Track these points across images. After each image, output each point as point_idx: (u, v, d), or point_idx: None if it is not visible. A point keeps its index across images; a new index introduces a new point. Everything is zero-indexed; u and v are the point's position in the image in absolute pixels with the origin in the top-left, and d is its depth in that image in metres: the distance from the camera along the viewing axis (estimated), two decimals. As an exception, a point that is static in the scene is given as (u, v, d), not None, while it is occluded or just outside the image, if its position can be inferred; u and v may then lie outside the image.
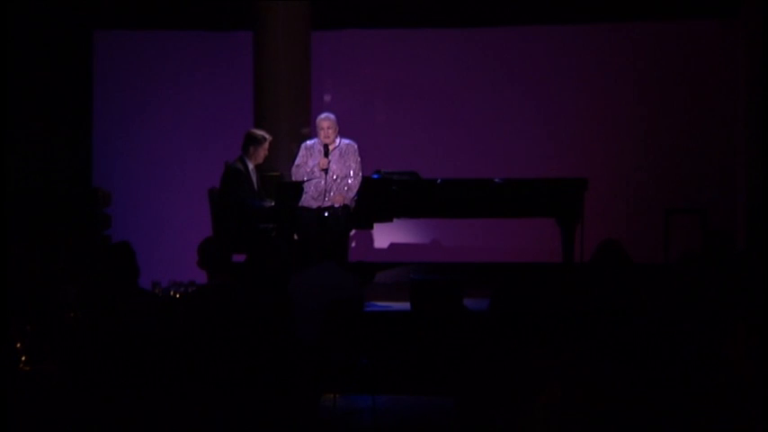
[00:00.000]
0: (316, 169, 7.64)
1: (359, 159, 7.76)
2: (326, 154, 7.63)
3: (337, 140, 7.74)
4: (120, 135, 10.38)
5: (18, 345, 4.92)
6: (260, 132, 8.08)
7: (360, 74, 10.49)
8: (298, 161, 7.76)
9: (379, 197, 7.93)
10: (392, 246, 10.19)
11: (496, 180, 8.13)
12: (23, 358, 4.93)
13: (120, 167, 10.31)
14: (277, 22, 9.46)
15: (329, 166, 7.63)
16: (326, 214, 7.59)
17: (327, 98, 10.42)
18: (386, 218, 8.11)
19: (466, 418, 3.84)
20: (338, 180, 7.66)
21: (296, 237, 7.94)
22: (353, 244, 9.38)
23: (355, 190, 7.72)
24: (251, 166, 7.96)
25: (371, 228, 8.49)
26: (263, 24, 9.53)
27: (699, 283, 4.70)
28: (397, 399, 6.39)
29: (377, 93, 10.46)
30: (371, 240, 10.06)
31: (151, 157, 10.34)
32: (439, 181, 8.11)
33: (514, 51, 10.35)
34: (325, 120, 7.69)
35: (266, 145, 7.98)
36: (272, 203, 8.00)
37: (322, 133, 7.66)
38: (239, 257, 7.84)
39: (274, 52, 9.44)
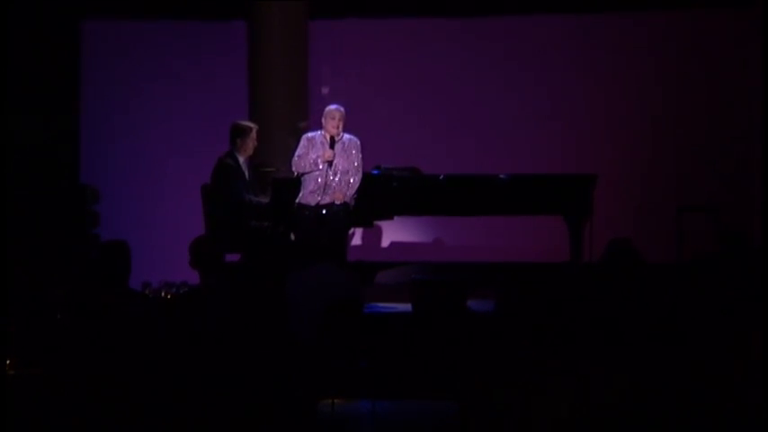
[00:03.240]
0: (319, 161, 7.62)
1: (360, 155, 7.75)
2: (332, 146, 7.61)
3: (340, 134, 7.73)
4: (109, 130, 10.38)
5: (2, 348, 4.93)
6: (244, 122, 8.10)
7: (359, 65, 10.49)
8: (299, 152, 7.71)
9: (380, 194, 7.93)
10: (393, 245, 10.19)
11: (501, 176, 8.14)
12: (8, 362, 4.94)
13: (109, 163, 10.31)
14: (272, 11, 9.45)
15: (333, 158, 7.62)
16: (325, 212, 7.59)
17: (325, 91, 10.42)
18: (386, 215, 8.11)
19: (470, 425, 3.85)
20: (339, 175, 7.65)
21: (293, 235, 7.94)
22: (353, 243, 9.38)
23: (356, 187, 7.71)
24: (242, 159, 7.97)
25: (371, 226, 8.50)
26: (257, 13, 9.53)
27: (712, 283, 4.71)
28: (398, 404, 6.40)
29: (377, 85, 10.45)
30: (371, 239, 10.07)
31: (141, 152, 10.34)
32: (441, 177, 8.11)
33: (520, 42, 10.34)
34: (338, 111, 7.65)
35: (253, 135, 7.99)
36: (268, 200, 8.00)
37: (333, 123, 7.60)
38: (233, 257, 7.91)
39: (269, 43, 9.44)
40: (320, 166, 7.61)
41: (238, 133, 7.97)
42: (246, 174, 8.00)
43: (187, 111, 10.34)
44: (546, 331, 3.90)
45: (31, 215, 8.99)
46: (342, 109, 7.70)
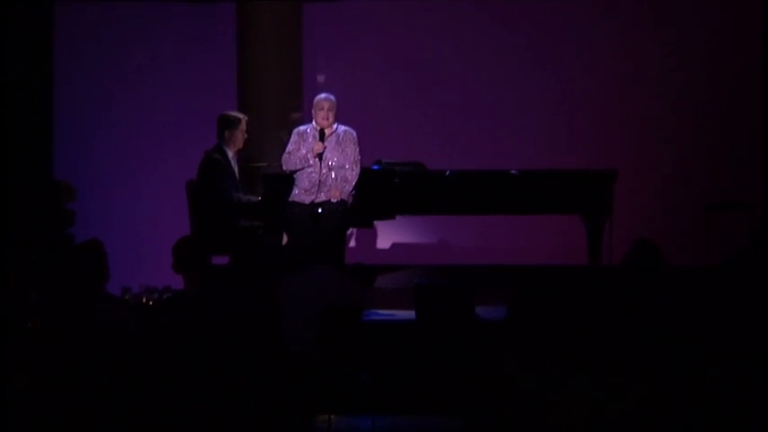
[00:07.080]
0: (309, 156, 7.63)
1: (357, 149, 7.76)
2: (322, 138, 7.62)
3: (334, 126, 7.73)
4: (86, 121, 10.37)
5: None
6: (232, 113, 8.11)
7: (358, 51, 10.48)
8: (289, 148, 7.75)
9: (380, 191, 7.93)
10: (395, 246, 10.19)
11: (513, 172, 8.14)
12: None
13: (86, 158, 10.30)
14: (264, -7, 9.47)
15: (324, 153, 7.62)
16: (321, 210, 7.60)
17: (321, 79, 10.42)
18: (388, 214, 8.12)
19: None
20: (334, 171, 7.66)
21: (286, 236, 7.95)
22: (351, 244, 9.39)
23: (353, 182, 7.73)
24: (230, 153, 7.98)
25: (371, 226, 8.51)
26: (247, -5, 9.54)
27: (744, 287, 4.71)
28: (400, 420, 6.40)
29: (377, 73, 10.45)
30: (372, 240, 10.07)
31: (121, 146, 10.33)
32: (447, 173, 8.11)
33: (533, 26, 10.33)
34: (326, 100, 7.67)
35: (243, 126, 8.01)
36: (259, 198, 8.00)
37: (321, 115, 7.63)
38: (221, 259, 7.91)
39: (261, 26, 9.44)
40: (311, 161, 7.62)
41: (226, 125, 7.98)
42: (236, 169, 8.01)
43: (171, 101, 10.32)
44: (561, 340, 3.90)
45: (0, 214, 8.96)
46: (332, 98, 7.71)
